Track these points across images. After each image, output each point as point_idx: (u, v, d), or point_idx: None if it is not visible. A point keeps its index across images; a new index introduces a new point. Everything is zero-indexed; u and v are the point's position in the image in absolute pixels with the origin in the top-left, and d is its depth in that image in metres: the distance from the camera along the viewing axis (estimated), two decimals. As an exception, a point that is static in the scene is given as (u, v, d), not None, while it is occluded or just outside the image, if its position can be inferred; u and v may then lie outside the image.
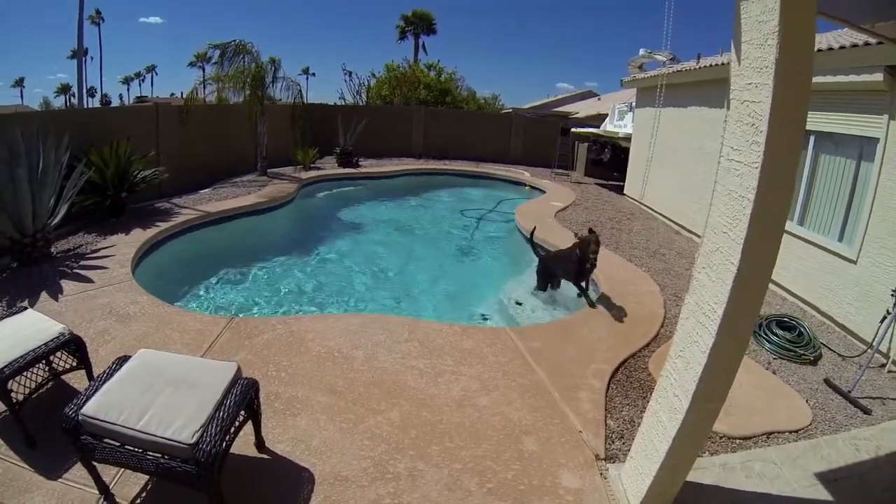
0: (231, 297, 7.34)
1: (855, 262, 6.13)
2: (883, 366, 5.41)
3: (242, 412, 3.25)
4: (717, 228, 2.66)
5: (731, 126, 2.54)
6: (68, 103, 73.64)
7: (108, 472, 3.19)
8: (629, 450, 3.65)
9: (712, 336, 2.66)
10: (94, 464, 3.01)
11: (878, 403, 4.76)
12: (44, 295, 5.60)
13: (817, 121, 6.80)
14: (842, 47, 6.16)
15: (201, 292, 7.35)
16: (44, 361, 3.78)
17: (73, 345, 3.86)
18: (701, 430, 3.08)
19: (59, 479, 3.21)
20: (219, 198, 10.93)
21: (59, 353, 3.87)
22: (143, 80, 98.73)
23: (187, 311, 5.95)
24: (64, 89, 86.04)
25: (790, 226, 7.25)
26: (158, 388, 2.99)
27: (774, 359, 5.53)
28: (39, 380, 3.78)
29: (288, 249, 9.57)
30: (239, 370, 3.33)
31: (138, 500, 3.15)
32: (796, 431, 4.29)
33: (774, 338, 5.74)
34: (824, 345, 5.86)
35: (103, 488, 3.11)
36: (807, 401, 4.74)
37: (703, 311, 2.75)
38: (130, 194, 8.94)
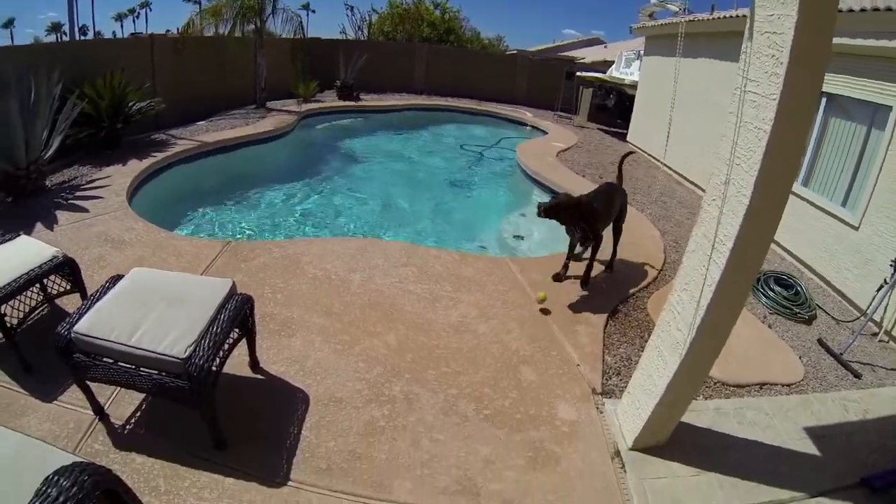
0: (228, 224, 7.30)
1: (857, 229, 6.01)
2: (875, 334, 5.39)
3: (236, 329, 3.24)
4: (730, 160, 2.61)
5: (751, 58, 2.47)
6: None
7: (102, 394, 3.20)
8: (626, 386, 3.67)
9: (720, 269, 2.64)
10: (88, 384, 3.00)
11: (868, 369, 4.77)
12: (39, 226, 5.52)
13: (830, 82, 6.53)
14: (863, 10, 5.88)
15: (198, 220, 7.29)
16: (38, 285, 3.74)
17: (67, 268, 3.81)
18: (701, 366, 3.09)
19: (55, 402, 3.21)
20: (216, 129, 10.72)
21: (53, 277, 3.82)
22: (137, 17, 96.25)
23: (183, 236, 5.93)
24: (55, 28, 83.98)
25: (794, 186, 7.06)
26: (151, 304, 2.96)
27: (770, 313, 5.53)
28: (33, 304, 3.75)
29: (285, 178, 9.48)
30: (234, 286, 3.30)
31: (133, 420, 3.16)
32: (788, 385, 4.34)
33: (771, 293, 5.74)
34: (819, 306, 5.84)
35: (98, 409, 3.12)
36: (800, 357, 4.76)
37: (712, 243, 2.72)
38: (126, 126, 8.73)
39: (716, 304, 2.72)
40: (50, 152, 6.81)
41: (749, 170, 2.46)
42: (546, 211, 4.84)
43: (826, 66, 2.39)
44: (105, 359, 2.80)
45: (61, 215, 5.84)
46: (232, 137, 10.19)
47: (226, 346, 3.07)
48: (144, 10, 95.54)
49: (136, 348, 2.69)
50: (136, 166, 7.69)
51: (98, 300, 3.01)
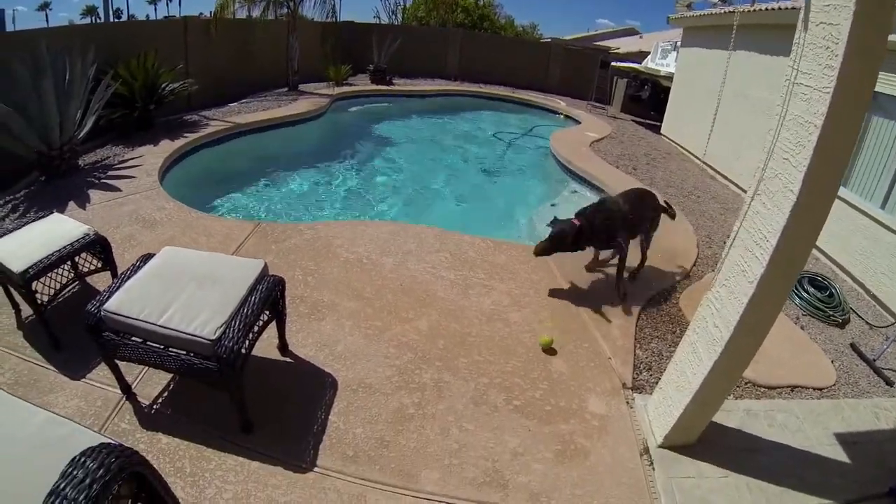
0: (259, 205, 7.29)
1: (895, 233, 5.77)
2: (910, 342, 5.15)
3: (267, 312, 3.20)
4: (778, 154, 2.50)
5: (804, 49, 2.36)
6: (95, 24, 73.09)
7: (130, 372, 3.20)
8: (657, 382, 3.59)
9: (762, 266, 2.54)
10: (117, 362, 2.99)
11: (900, 378, 4.58)
12: (71, 204, 5.57)
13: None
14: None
15: (229, 200, 7.28)
16: (69, 262, 3.76)
17: (98, 245, 3.80)
18: (737, 365, 3.00)
19: (83, 380, 3.22)
20: (248, 110, 10.75)
21: (84, 255, 3.83)
22: (170, 0, 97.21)
23: (214, 217, 5.91)
24: (90, 11, 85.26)
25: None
26: (182, 284, 2.92)
27: (803, 315, 5.35)
28: (64, 281, 3.77)
29: (318, 160, 9.45)
30: (265, 267, 3.26)
31: (160, 400, 3.15)
32: (820, 389, 4.19)
33: (805, 294, 5.53)
34: (853, 310, 5.61)
35: (125, 387, 3.11)
36: (832, 361, 4.59)
37: (755, 239, 2.62)
38: (159, 107, 8.78)
39: (756, 302, 2.61)
40: (83, 132, 6.86)
41: (797, 165, 2.35)
42: (543, 251, 4.69)
43: (882, 61, 2.25)
44: (134, 338, 2.78)
45: (94, 194, 5.88)
46: (265, 119, 10.20)
47: (256, 329, 3.03)
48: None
49: (166, 328, 2.66)
50: (168, 147, 7.72)
51: (128, 279, 2.99)
